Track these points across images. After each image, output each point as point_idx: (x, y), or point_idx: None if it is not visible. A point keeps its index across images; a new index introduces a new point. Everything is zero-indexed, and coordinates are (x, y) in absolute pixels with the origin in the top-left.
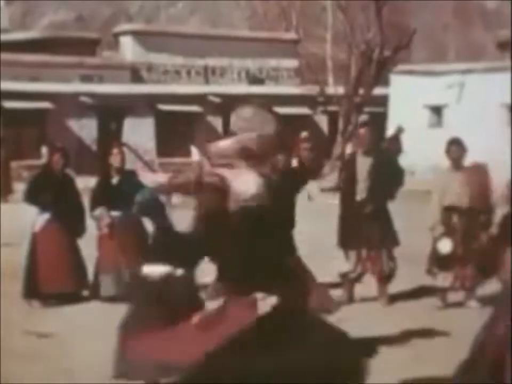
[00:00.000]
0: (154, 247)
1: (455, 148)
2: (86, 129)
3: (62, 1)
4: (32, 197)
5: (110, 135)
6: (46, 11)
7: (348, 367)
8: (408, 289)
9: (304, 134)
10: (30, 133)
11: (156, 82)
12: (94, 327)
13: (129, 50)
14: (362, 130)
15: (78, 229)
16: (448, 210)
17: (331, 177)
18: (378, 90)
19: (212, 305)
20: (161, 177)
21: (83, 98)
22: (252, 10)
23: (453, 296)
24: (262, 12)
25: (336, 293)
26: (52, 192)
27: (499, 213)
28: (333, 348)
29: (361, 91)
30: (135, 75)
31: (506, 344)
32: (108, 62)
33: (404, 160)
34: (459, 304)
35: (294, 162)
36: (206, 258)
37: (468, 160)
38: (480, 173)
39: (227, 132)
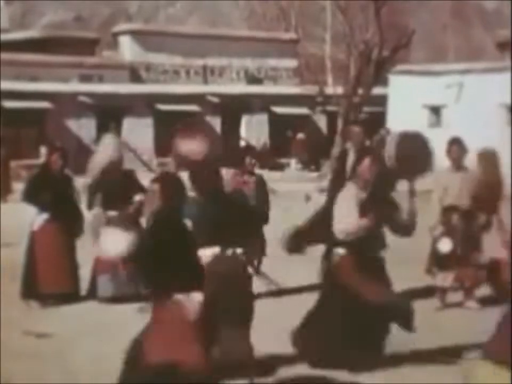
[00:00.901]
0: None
1: (456, 147)
2: (84, 128)
3: (61, 1)
4: (30, 196)
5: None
6: (45, 11)
7: None
8: (407, 289)
9: (300, 135)
10: (29, 132)
11: (154, 82)
12: (92, 327)
13: (128, 50)
14: (355, 129)
15: (76, 229)
16: (448, 210)
17: (329, 177)
18: (377, 90)
19: None
20: None
21: (82, 98)
22: (251, 10)
23: (452, 297)
24: (261, 12)
25: None
26: (50, 192)
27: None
28: None
29: (360, 91)
30: (134, 75)
31: None
32: (107, 62)
33: None
34: (458, 305)
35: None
36: None
37: (466, 160)
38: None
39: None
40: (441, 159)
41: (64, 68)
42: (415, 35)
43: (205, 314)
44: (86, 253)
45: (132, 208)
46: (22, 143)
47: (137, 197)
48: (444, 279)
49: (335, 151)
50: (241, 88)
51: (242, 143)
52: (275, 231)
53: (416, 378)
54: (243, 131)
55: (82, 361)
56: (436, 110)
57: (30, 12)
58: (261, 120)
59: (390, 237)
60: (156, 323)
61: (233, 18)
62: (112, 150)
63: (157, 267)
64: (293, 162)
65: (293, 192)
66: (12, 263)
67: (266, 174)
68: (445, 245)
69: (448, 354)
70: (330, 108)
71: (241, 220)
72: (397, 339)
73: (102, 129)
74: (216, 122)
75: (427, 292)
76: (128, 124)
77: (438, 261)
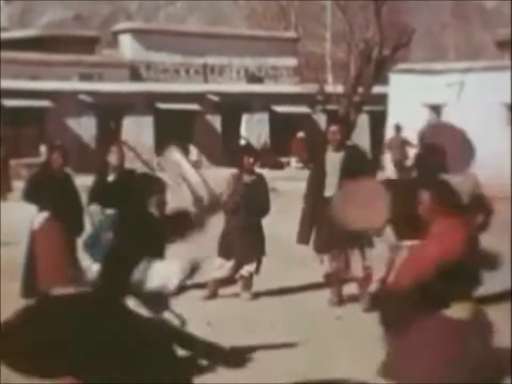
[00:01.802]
0: None
1: None
2: (85, 127)
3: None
4: (31, 195)
5: (109, 134)
6: (45, 10)
7: None
8: None
9: (300, 134)
10: (29, 131)
11: (155, 80)
12: None
13: (128, 48)
14: (333, 128)
15: (76, 227)
16: None
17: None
18: (377, 89)
19: None
20: None
21: (82, 97)
22: (251, 9)
23: None
24: (261, 11)
25: (325, 294)
26: (50, 191)
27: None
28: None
29: (360, 90)
30: (134, 73)
31: None
32: (107, 60)
33: None
34: None
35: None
36: None
37: None
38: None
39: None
40: None
41: (64, 67)
42: (416, 34)
43: None
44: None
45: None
46: (22, 142)
47: None
48: None
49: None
50: (241, 87)
51: (243, 142)
52: (275, 230)
53: None
54: (243, 130)
55: None
56: (436, 109)
57: (29, 10)
58: (261, 119)
59: None
60: None
61: (233, 17)
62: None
63: None
64: (293, 161)
65: (294, 191)
66: (11, 262)
67: (267, 173)
68: None
69: None
70: (330, 107)
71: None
72: None
73: (102, 127)
74: (216, 121)
75: None
76: (128, 122)
77: None
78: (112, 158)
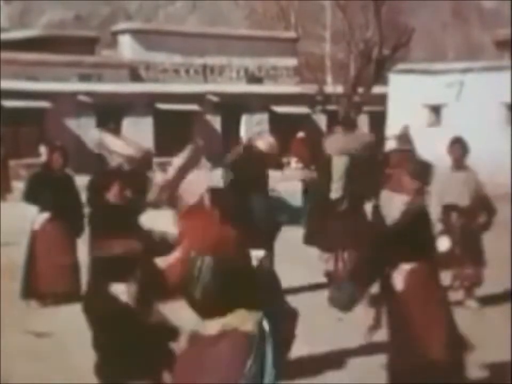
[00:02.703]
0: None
1: (458, 147)
2: (84, 128)
3: (61, 0)
4: (31, 196)
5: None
6: (45, 10)
7: None
8: None
9: (300, 134)
10: (29, 131)
11: (154, 81)
12: None
13: (127, 49)
14: (337, 130)
15: (77, 228)
16: (447, 209)
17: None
18: (377, 89)
19: None
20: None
21: (81, 97)
22: (251, 9)
23: (452, 296)
24: (261, 11)
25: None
26: (51, 191)
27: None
28: None
29: (360, 90)
30: (134, 74)
31: None
32: (107, 61)
33: None
34: (458, 304)
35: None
36: None
37: (468, 159)
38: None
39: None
40: (441, 158)
41: (63, 67)
42: (415, 34)
43: None
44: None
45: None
46: (21, 142)
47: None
48: (443, 278)
49: None
50: (241, 87)
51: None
52: None
53: None
54: (243, 130)
55: (83, 361)
56: (436, 109)
57: (29, 11)
58: (261, 119)
59: None
60: None
61: (233, 17)
62: None
63: None
64: (293, 161)
65: (293, 191)
66: (11, 263)
67: None
68: (443, 244)
69: None
70: (330, 107)
71: None
72: None
73: (101, 128)
74: (216, 121)
75: None
76: (128, 123)
77: (436, 259)
78: (112, 159)
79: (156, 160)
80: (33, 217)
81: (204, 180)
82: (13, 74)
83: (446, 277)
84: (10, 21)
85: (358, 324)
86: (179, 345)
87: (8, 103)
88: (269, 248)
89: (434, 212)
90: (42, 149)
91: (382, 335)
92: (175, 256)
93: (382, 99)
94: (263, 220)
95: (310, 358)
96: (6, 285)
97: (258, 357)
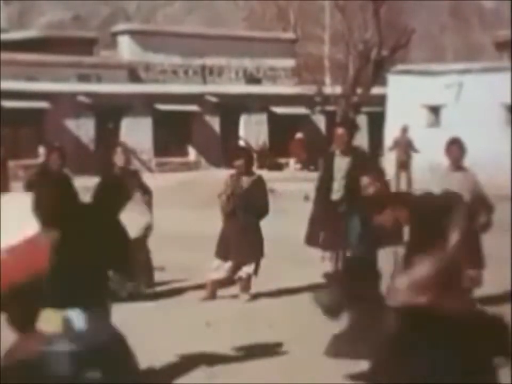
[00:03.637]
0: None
1: (455, 147)
2: (83, 128)
3: (60, 0)
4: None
5: (107, 135)
6: (44, 10)
7: None
8: None
9: (299, 135)
10: (27, 132)
11: (153, 81)
12: None
13: (126, 49)
14: (339, 131)
15: None
16: None
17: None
18: (376, 90)
19: None
20: None
21: (80, 98)
22: (250, 10)
23: None
24: (260, 12)
25: None
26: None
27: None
28: None
29: (359, 91)
30: (133, 75)
31: None
32: (106, 62)
33: None
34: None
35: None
36: None
37: (467, 160)
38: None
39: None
40: (440, 159)
41: (62, 68)
42: (414, 35)
43: None
44: None
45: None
46: (20, 143)
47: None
48: None
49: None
50: (240, 88)
51: (242, 143)
52: (274, 231)
53: None
54: (242, 131)
55: None
56: (435, 110)
57: (28, 11)
58: (260, 120)
59: None
60: None
61: (231, 18)
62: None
63: None
64: (292, 162)
65: (292, 192)
66: None
67: (265, 174)
68: None
69: None
70: (329, 108)
71: None
72: None
73: (100, 129)
74: (215, 122)
75: None
76: (127, 123)
77: None
78: (118, 159)
79: (154, 160)
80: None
81: None
82: (12, 75)
83: None
84: (10, 21)
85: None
86: None
87: (7, 104)
88: None
89: None
90: (42, 150)
91: None
92: None
93: (381, 100)
94: None
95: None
96: None
97: None
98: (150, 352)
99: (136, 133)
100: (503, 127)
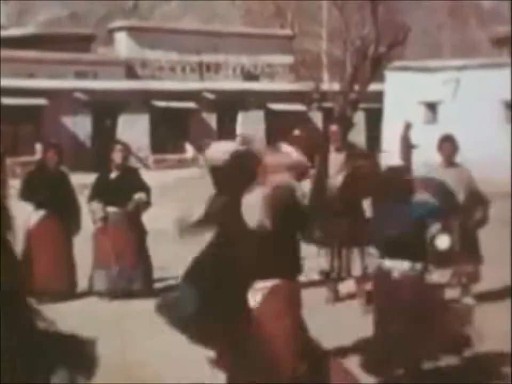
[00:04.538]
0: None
1: (448, 144)
2: (80, 125)
3: None
4: (27, 194)
5: (104, 132)
6: (42, 8)
7: None
8: None
9: (296, 132)
10: (25, 129)
11: (150, 78)
12: (90, 323)
13: (123, 46)
14: (333, 127)
15: (73, 225)
16: None
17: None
18: (373, 87)
19: None
20: None
21: (78, 95)
22: (247, 8)
23: (448, 293)
24: (258, 10)
25: (321, 292)
26: (46, 189)
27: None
28: None
29: (356, 87)
30: (130, 71)
31: None
32: (103, 58)
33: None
34: (455, 301)
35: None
36: None
37: (463, 156)
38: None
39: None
40: (436, 155)
41: (59, 65)
42: (411, 34)
43: None
44: (87, 249)
45: (130, 205)
46: (18, 140)
47: (137, 195)
48: (442, 276)
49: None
50: (237, 84)
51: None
52: None
53: None
54: (239, 128)
55: None
56: (432, 107)
57: (26, 8)
58: (257, 116)
59: None
60: None
61: (228, 16)
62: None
63: None
64: None
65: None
66: None
67: None
68: (443, 242)
69: None
70: (326, 105)
71: None
72: None
73: (97, 125)
74: (212, 119)
75: None
76: (124, 120)
77: (436, 258)
78: (116, 156)
79: (152, 157)
80: (28, 215)
81: None
82: (10, 72)
83: (444, 275)
84: (8, 19)
85: (355, 324)
86: None
87: (5, 101)
88: None
89: None
90: (39, 147)
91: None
92: None
93: (378, 96)
94: None
95: None
96: None
97: None
98: (150, 352)
99: (133, 130)
100: (501, 124)
